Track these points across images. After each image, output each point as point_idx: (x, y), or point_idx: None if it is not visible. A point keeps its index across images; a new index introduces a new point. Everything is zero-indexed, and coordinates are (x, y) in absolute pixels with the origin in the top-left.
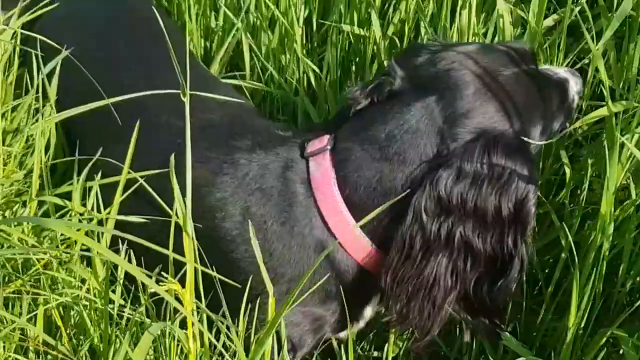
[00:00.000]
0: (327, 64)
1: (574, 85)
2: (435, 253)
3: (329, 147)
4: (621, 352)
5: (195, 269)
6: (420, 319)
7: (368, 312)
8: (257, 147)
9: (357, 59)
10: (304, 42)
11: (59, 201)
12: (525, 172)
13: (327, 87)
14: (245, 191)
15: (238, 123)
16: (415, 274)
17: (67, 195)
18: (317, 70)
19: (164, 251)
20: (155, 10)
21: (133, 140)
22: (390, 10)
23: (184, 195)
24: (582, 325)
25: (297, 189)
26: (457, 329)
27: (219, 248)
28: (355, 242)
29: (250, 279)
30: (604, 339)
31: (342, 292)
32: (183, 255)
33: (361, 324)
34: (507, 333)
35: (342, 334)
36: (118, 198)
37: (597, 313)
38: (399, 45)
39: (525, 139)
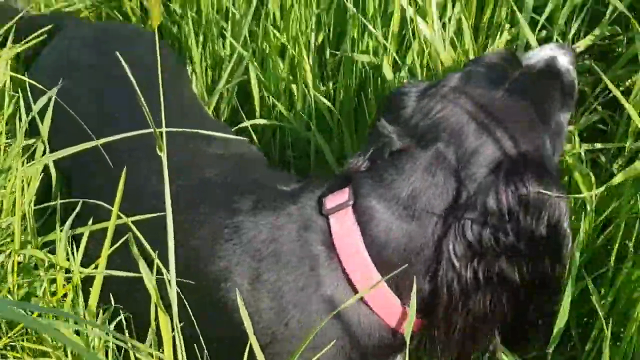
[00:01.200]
0: (340, 96)
1: (564, 60)
2: (475, 295)
3: (351, 203)
4: None
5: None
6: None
7: None
8: (261, 207)
9: (373, 88)
10: (316, 70)
11: (41, 255)
12: (552, 190)
13: (341, 120)
14: (253, 257)
15: (237, 180)
16: (460, 319)
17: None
18: (328, 104)
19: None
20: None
21: (119, 192)
22: (410, 34)
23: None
24: None
25: (318, 250)
26: None
27: (226, 321)
28: (387, 305)
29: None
30: None
31: (365, 356)
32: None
33: None
34: None
35: None
36: (106, 251)
37: None
38: (419, 74)
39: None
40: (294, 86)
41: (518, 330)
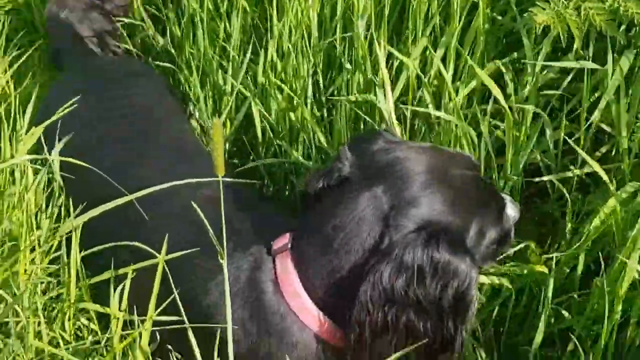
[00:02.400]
0: (338, 125)
1: (511, 210)
2: (382, 336)
3: (289, 245)
4: None
5: None
6: None
7: None
8: (237, 249)
9: (366, 121)
10: (314, 109)
11: (99, 308)
12: (465, 264)
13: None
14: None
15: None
16: (367, 354)
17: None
18: (323, 140)
19: None
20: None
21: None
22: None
23: None
24: None
25: (266, 287)
26: None
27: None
28: (328, 331)
29: None
30: None
31: None
32: None
33: None
34: None
35: None
36: (154, 295)
37: None
38: (405, 111)
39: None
40: (292, 114)
41: None
